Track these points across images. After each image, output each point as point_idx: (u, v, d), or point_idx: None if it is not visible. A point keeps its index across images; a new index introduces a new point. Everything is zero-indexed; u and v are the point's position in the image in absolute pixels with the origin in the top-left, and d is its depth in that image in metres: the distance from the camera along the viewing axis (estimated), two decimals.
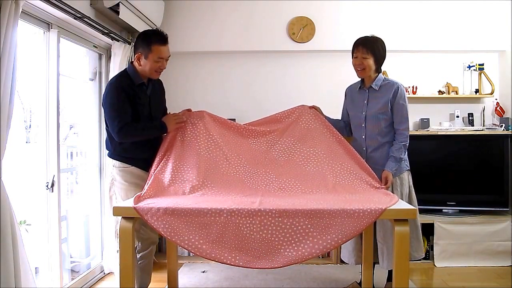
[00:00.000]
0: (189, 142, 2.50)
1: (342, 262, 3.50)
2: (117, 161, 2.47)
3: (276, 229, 1.90)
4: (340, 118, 2.87)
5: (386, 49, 2.62)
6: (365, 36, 2.60)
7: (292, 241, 1.88)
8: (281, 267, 1.90)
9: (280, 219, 1.91)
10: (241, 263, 1.90)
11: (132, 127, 2.35)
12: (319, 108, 2.75)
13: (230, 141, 2.57)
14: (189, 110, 2.66)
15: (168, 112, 2.70)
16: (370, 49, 2.54)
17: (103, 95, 2.42)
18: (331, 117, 2.78)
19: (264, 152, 2.57)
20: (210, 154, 2.48)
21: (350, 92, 2.80)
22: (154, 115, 2.51)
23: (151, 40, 2.35)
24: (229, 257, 1.90)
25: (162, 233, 1.93)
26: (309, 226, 1.89)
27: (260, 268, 1.92)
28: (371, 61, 2.55)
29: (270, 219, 1.91)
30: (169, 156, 2.44)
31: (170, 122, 2.46)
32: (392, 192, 2.42)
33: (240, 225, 1.92)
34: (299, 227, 1.89)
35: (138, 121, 2.40)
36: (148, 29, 2.58)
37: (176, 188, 2.29)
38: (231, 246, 1.91)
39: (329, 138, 2.59)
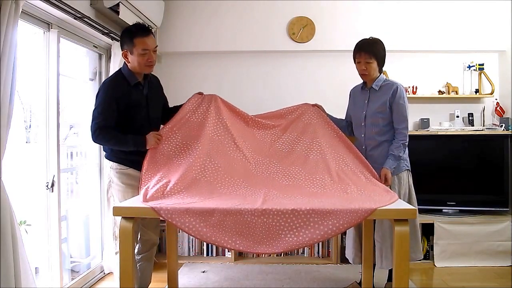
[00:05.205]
0: (199, 122, 2.56)
1: (342, 262, 3.51)
2: (115, 163, 2.46)
3: (278, 214, 1.91)
4: (342, 118, 2.91)
5: (386, 49, 2.64)
6: (365, 40, 2.62)
7: (293, 227, 1.89)
8: (281, 252, 1.91)
9: (282, 199, 1.95)
10: (241, 248, 1.92)
11: (107, 132, 2.30)
12: (321, 106, 2.80)
13: (238, 127, 2.64)
14: (200, 93, 2.74)
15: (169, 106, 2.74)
16: (372, 53, 2.56)
17: (96, 94, 2.41)
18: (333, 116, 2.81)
19: (269, 144, 2.65)
20: (219, 137, 2.54)
21: (353, 93, 2.86)
22: (152, 116, 2.50)
23: (133, 33, 2.32)
24: (229, 241, 1.91)
25: (163, 215, 1.94)
26: (310, 211, 1.90)
27: (261, 253, 1.93)
28: (374, 65, 2.59)
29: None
30: (177, 132, 2.51)
31: (151, 139, 2.39)
32: None
33: (242, 211, 1.94)
34: (301, 213, 1.90)
35: (133, 124, 2.38)
36: (130, 25, 2.53)
37: (180, 163, 2.36)
38: (232, 231, 1.92)
39: (330, 133, 2.66)
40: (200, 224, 1.91)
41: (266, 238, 1.90)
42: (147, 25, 2.40)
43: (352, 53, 2.70)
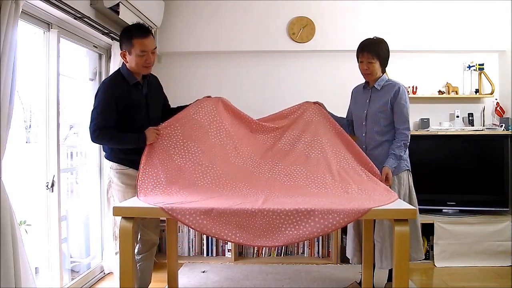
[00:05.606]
0: (202, 125, 2.56)
1: (342, 262, 3.51)
2: (114, 163, 2.46)
3: (279, 208, 1.92)
4: (343, 117, 2.91)
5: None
6: (369, 39, 2.62)
7: (294, 221, 1.90)
8: (282, 245, 1.92)
9: (283, 199, 1.98)
10: (241, 240, 1.92)
11: (107, 132, 2.29)
12: (322, 104, 2.81)
13: (240, 133, 2.65)
14: (208, 97, 2.74)
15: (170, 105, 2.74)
16: (375, 54, 2.56)
17: (95, 94, 2.40)
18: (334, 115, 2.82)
19: (271, 145, 2.66)
20: (221, 142, 2.55)
21: (355, 92, 2.86)
22: (152, 116, 2.49)
23: (132, 34, 2.31)
24: (230, 234, 1.92)
25: (163, 207, 1.94)
26: (312, 207, 1.92)
27: (261, 246, 1.95)
28: (377, 65, 2.58)
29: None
30: (178, 128, 2.50)
31: (150, 134, 2.39)
32: None
33: (243, 209, 1.95)
34: (303, 210, 1.91)
35: (133, 124, 2.38)
36: (129, 24, 2.52)
37: (181, 167, 2.37)
38: (233, 224, 1.92)
39: (331, 130, 2.67)
40: (200, 216, 1.92)
41: (267, 232, 1.91)
42: (146, 26, 2.39)
43: (352, 53, 2.71)
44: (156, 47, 2.41)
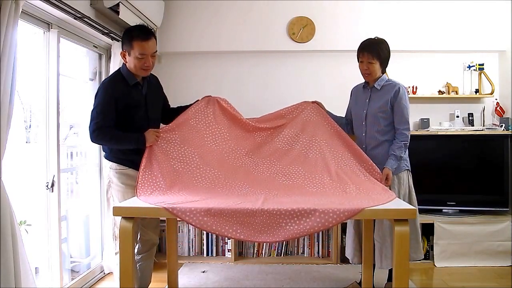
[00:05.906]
0: (200, 129, 2.58)
1: (342, 262, 3.51)
2: (114, 163, 2.45)
3: (279, 207, 1.93)
4: (342, 116, 2.91)
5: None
6: (370, 40, 2.62)
7: (294, 216, 1.91)
8: (283, 240, 1.93)
9: (283, 199, 2.01)
10: (242, 236, 1.93)
11: (107, 132, 2.29)
12: (321, 103, 2.81)
13: (237, 135, 2.65)
14: (208, 96, 2.74)
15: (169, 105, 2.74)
16: (375, 54, 2.56)
17: (95, 94, 2.40)
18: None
19: (268, 144, 2.66)
20: (218, 146, 2.56)
21: (355, 92, 2.86)
22: (151, 116, 2.49)
23: (132, 35, 2.30)
24: (230, 230, 1.92)
25: (164, 205, 1.96)
26: (312, 205, 1.93)
27: (262, 242, 1.96)
28: (377, 66, 2.58)
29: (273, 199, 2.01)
30: (177, 133, 2.51)
31: (150, 136, 2.38)
32: None
33: (243, 209, 1.96)
34: (303, 206, 1.92)
35: (133, 124, 2.38)
36: (132, 25, 2.51)
37: (180, 171, 2.38)
38: (233, 220, 1.93)
39: (329, 130, 2.68)
40: (200, 213, 1.93)
41: (267, 228, 1.92)
42: (149, 29, 2.37)
43: (352, 53, 2.71)
44: (156, 51, 2.40)
